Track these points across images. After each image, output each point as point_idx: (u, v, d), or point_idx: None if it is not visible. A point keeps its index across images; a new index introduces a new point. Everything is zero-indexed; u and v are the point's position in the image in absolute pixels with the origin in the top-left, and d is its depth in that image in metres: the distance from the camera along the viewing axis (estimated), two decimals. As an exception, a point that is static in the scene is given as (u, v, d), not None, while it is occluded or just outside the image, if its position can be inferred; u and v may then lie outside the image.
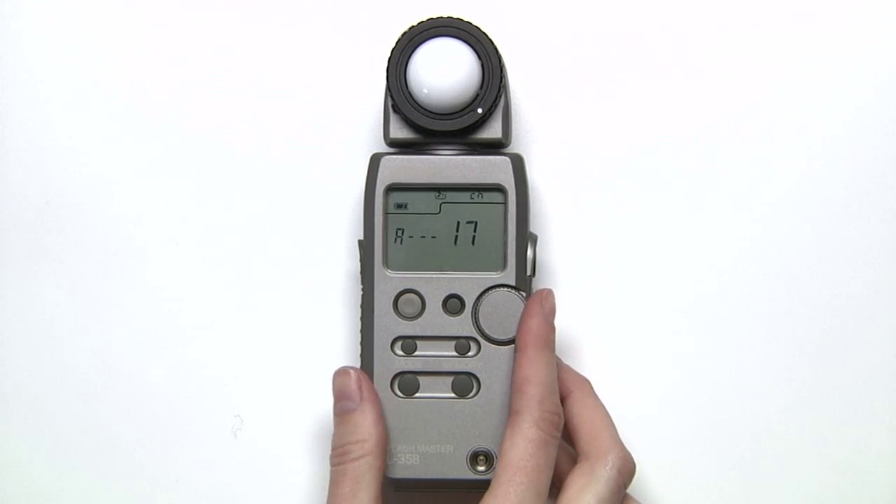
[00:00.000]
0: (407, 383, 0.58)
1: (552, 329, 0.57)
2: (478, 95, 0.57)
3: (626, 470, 0.56)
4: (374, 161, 0.58)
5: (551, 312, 0.57)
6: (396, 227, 0.58)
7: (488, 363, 0.58)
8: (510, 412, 0.55)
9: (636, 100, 0.62)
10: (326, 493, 0.56)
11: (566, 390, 0.58)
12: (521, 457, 0.54)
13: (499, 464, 0.55)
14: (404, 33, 0.57)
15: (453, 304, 0.58)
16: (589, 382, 0.59)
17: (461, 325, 0.58)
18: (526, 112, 0.62)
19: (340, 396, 0.57)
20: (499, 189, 0.58)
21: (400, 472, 0.57)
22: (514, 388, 0.56)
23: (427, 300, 0.58)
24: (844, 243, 0.62)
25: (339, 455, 0.56)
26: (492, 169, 0.58)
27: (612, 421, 0.58)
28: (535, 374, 0.55)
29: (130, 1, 0.63)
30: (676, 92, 0.62)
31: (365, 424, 0.56)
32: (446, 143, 0.58)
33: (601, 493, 0.55)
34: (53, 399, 0.63)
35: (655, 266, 0.62)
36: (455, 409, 0.57)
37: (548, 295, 0.57)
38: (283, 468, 0.62)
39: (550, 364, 0.56)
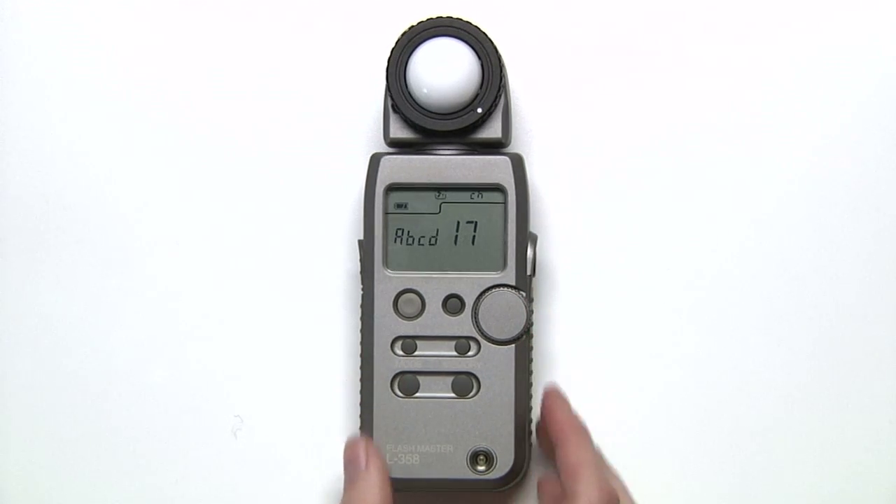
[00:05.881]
0: (407, 383, 0.58)
1: (578, 417, 0.58)
2: (477, 95, 0.57)
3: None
4: (374, 161, 0.58)
5: (569, 402, 0.58)
6: (396, 226, 0.58)
7: (488, 363, 0.57)
8: (565, 495, 0.55)
9: (636, 99, 0.62)
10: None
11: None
12: None
13: None
14: (404, 33, 0.57)
15: (453, 303, 0.58)
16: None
17: (461, 324, 0.58)
18: (526, 112, 0.62)
19: (348, 464, 0.56)
20: (499, 189, 0.58)
21: (400, 472, 0.57)
22: (566, 473, 0.55)
23: (427, 300, 0.58)
24: (845, 243, 0.62)
25: None
26: (492, 169, 0.58)
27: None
28: (587, 457, 0.56)
29: (130, 1, 0.63)
30: (676, 91, 0.62)
31: (369, 487, 0.55)
32: (446, 143, 0.58)
33: None
34: (53, 399, 0.63)
35: (656, 266, 0.62)
36: (455, 409, 0.57)
37: (558, 389, 0.58)
38: (283, 468, 0.62)
39: (593, 448, 0.57)
